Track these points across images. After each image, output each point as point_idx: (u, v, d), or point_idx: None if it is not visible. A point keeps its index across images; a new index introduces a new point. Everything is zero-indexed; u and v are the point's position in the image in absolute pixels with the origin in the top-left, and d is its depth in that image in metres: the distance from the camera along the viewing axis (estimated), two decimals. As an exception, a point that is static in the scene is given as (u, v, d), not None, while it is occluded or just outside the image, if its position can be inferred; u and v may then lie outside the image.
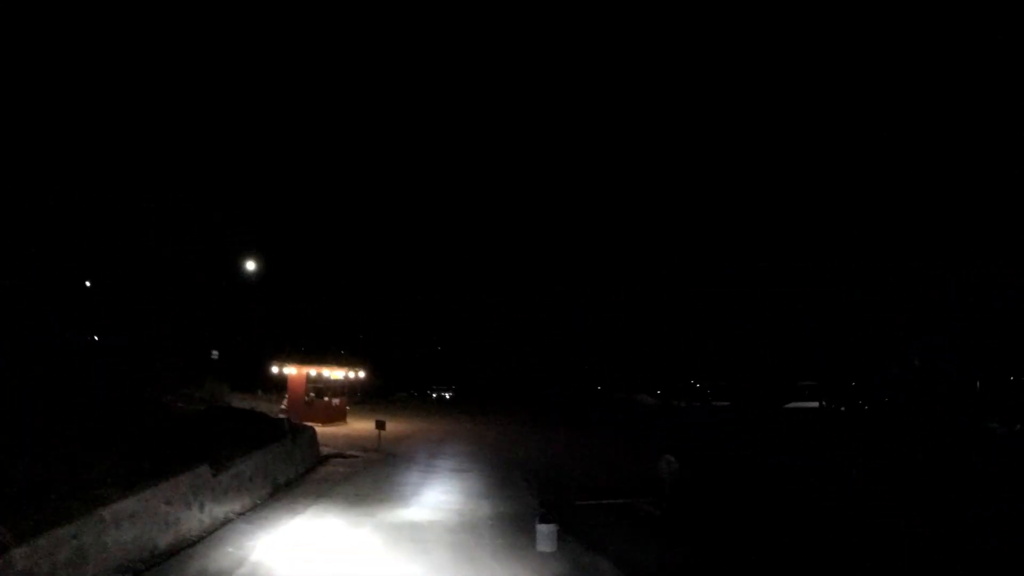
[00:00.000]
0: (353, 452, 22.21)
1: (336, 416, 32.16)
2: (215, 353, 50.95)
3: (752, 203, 53.52)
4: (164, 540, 9.61)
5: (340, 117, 66.37)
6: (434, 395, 66.33)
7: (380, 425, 23.77)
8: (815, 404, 49.84)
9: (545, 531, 10.48)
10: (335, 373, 33.04)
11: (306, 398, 31.89)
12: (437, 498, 15.15)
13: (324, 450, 21.84)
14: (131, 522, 8.73)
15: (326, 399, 32.26)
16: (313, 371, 32.11)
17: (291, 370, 32.29)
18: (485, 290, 63.89)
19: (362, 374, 36.20)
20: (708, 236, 55.73)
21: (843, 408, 49.20)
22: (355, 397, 39.53)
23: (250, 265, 40.99)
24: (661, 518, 14.17)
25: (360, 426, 29.70)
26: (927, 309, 40.45)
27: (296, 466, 17.14)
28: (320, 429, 28.11)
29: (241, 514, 12.34)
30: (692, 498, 15.72)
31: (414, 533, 11.69)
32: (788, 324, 51.65)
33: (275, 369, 33.38)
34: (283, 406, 31.24)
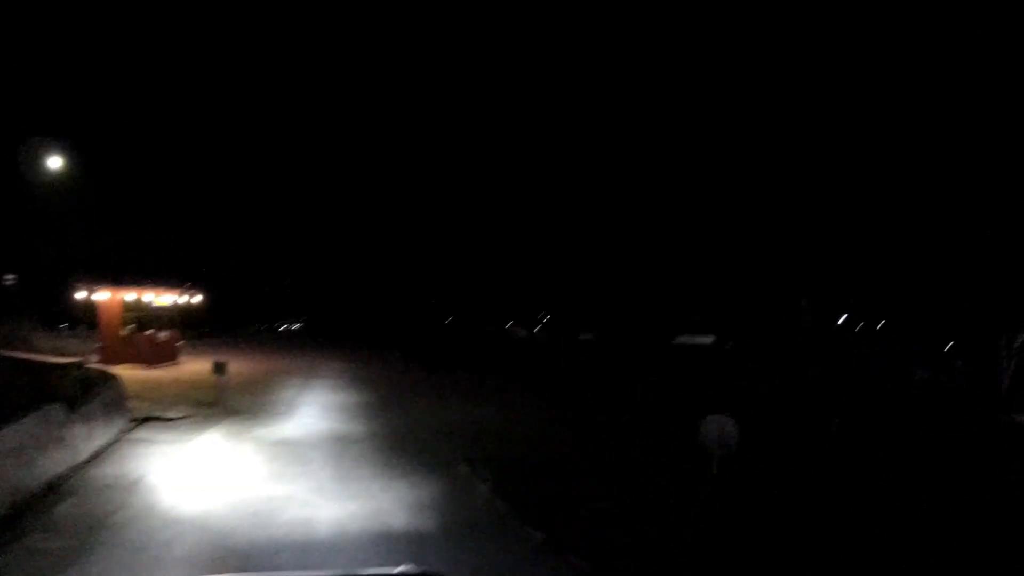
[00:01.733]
0: (178, 412, 15.60)
1: (164, 355, 24.83)
2: (10, 278, 40.96)
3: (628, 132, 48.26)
4: None
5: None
6: (281, 328, 62.30)
7: (219, 369, 17.10)
8: (708, 340, 46.78)
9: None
10: (162, 298, 25.51)
11: (123, 332, 24.37)
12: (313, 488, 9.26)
13: (139, 408, 15.22)
14: None
15: (150, 333, 24.83)
16: (131, 296, 24.52)
17: (103, 295, 24.55)
18: (335, 218, 56.22)
19: (198, 298, 28.67)
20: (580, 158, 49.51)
21: (731, 344, 46.79)
22: (193, 332, 31.80)
23: (54, 163, 31.60)
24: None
25: (197, 367, 22.50)
26: (819, 248, 37.99)
27: (76, 448, 10.57)
28: (143, 373, 21.50)
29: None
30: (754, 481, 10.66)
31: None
32: (674, 253, 47.91)
33: (83, 295, 25.56)
34: (99, 345, 23.79)
